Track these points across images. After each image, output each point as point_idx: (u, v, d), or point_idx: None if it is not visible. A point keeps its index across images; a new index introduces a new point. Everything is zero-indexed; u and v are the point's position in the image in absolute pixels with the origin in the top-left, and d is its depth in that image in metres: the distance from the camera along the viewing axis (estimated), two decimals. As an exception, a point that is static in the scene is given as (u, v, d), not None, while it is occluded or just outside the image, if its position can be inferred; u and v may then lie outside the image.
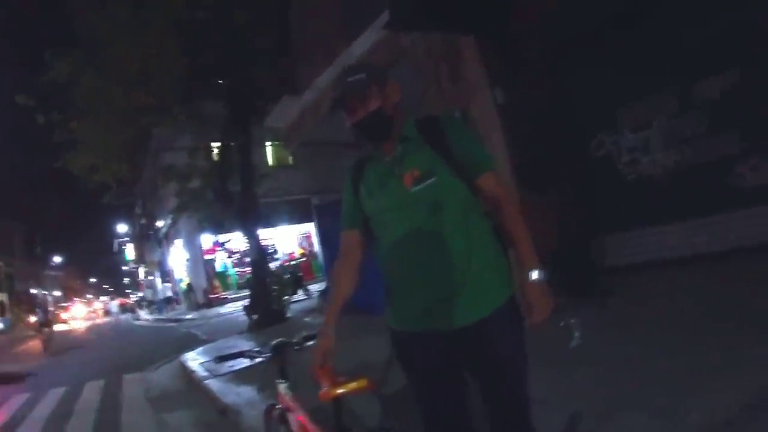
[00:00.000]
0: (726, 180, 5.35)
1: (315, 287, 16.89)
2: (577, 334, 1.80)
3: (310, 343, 2.42)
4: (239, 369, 6.17)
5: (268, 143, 23.22)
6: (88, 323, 42.23)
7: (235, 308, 17.50)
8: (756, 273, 4.48)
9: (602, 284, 5.44)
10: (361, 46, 7.50)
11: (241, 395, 5.17)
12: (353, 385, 1.65)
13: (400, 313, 1.86)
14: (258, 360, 2.45)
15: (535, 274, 1.72)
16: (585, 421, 2.86)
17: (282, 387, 2.33)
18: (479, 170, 1.81)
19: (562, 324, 1.75)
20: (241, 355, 2.52)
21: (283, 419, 2.33)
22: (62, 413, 6.58)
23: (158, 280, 36.30)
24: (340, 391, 1.63)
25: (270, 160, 24.05)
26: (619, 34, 5.81)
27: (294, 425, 2.20)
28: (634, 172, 6.16)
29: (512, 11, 5.93)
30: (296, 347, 2.39)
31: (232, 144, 11.90)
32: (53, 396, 7.91)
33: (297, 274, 16.61)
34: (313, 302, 13.29)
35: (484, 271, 1.75)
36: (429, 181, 1.74)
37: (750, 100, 5.08)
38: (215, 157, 13.54)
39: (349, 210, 2.01)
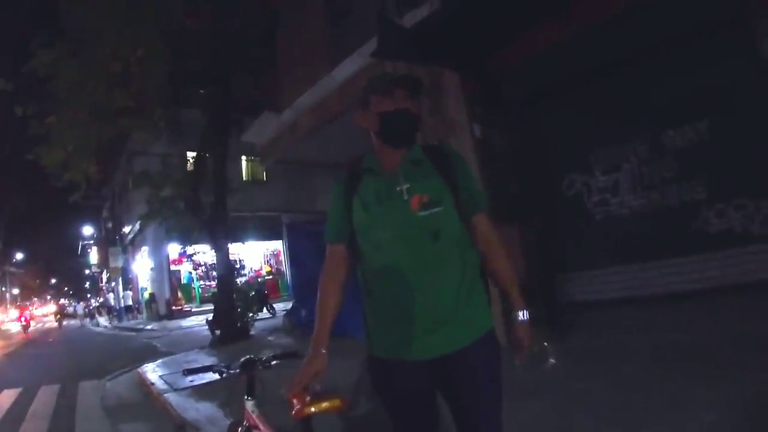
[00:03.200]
0: (691, 224, 5.60)
1: (280, 306, 16.70)
2: (551, 358, 1.89)
3: (275, 362, 2.45)
4: (199, 384, 6.08)
5: (243, 158, 23.10)
6: (43, 325, 40.79)
7: (197, 322, 17.17)
8: (711, 314, 4.70)
9: (563, 320, 5.57)
10: (344, 71, 7.62)
11: (201, 411, 5.09)
12: (326, 404, 1.64)
13: (384, 338, 1.84)
14: (225, 376, 2.46)
15: (524, 314, 1.82)
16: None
17: (249, 404, 2.33)
18: (477, 209, 1.87)
19: (536, 348, 1.83)
20: (209, 369, 2.52)
21: (248, 437, 2.34)
22: (15, 416, 6.38)
23: (120, 287, 35.35)
24: (312, 410, 1.64)
25: (244, 175, 23.88)
26: (595, 83, 6.07)
27: (259, 443, 2.21)
28: (602, 212, 6.38)
29: (494, 53, 6.14)
30: (265, 365, 2.42)
31: (207, 155, 11.82)
32: (6, 397, 7.68)
33: (263, 292, 16.35)
34: (277, 321, 13.14)
35: (472, 303, 1.79)
36: (436, 209, 1.76)
37: (717, 149, 5.38)
38: (189, 167, 13.42)
39: (336, 222, 1.93)
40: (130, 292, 29.72)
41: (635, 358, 4.17)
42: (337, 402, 1.65)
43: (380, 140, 1.89)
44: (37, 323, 42.96)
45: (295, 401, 1.65)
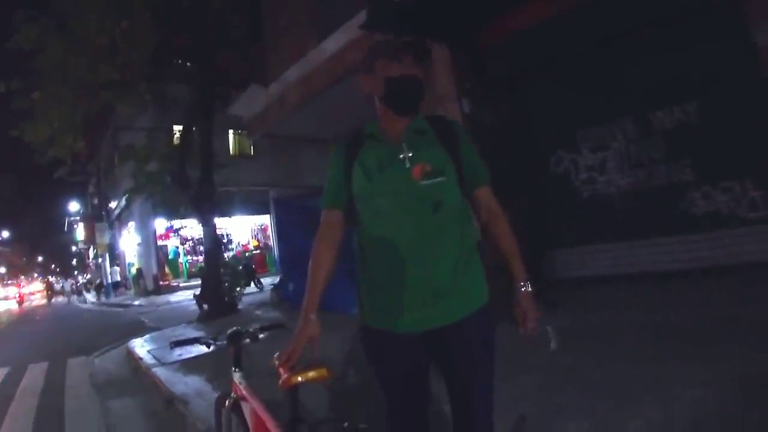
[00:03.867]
0: (677, 205, 5.67)
1: (268, 280, 16.71)
2: (553, 340, 1.89)
3: (264, 334, 2.45)
4: (187, 358, 6.09)
5: (230, 132, 22.87)
6: (30, 303, 40.65)
7: (184, 297, 17.13)
8: (698, 294, 4.77)
9: (551, 296, 5.62)
10: (332, 44, 7.52)
11: (189, 385, 5.11)
12: (313, 373, 1.63)
13: (378, 309, 1.83)
14: (213, 348, 2.46)
15: (527, 286, 1.81)
16: (529, 425, 2.96)
17: (237, 376, 2.33)
18: (481, 181, 1.86)
19: (539, 330, 1.84)
20: (196, 341, 2.51)
21: (236, 408, 2.34)
22: (4, 395, 6.35)
23: (107, 263, 35.18)
24: (299, 379, 1.63)
25: (231, 149, 23.66)
26: (585, 60, 6.05)
27: (247, 414, 2.21)
28: (589, 190, 6.42)
29: (483, 28, 6.08)
30: (252, 337, 2.42)
31: (194, 128, 11.66)
32: (-5, 375, 7.62)
33: (250, 266, 16.32)
34: (265, 295, 13.17)
35: (468, 275, 1.78)
36: (439, 178, 1.74)
37: (705, 132, 5.40)
38: (176, 141, 13.26)
39: (334, 188, 1.90)
40: (117, 268, 29.58)
41: (622, 336, 4.21)
42: (323, 371, 1.65)
43: (384, 106, 1.85)
44: (24, 301, 43.24)
45: (281, 371, 1.65)
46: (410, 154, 1.77)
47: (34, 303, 40.91)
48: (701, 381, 3.04)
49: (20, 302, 38.22)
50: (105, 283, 31.97)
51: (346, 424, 1.64)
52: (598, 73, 6.03)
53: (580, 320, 4.95)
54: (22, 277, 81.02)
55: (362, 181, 1.81)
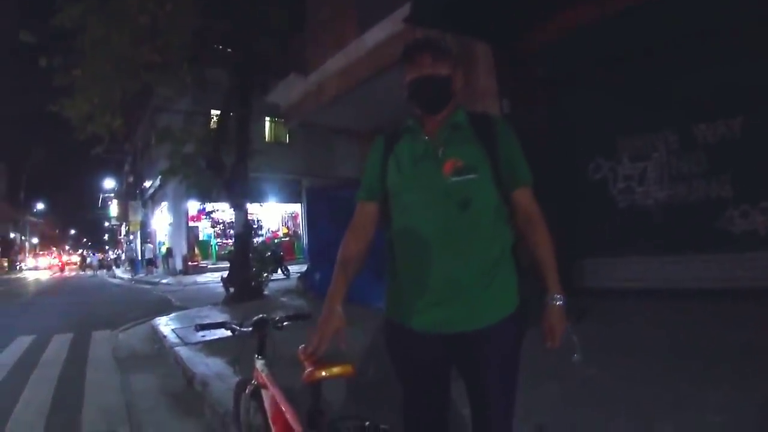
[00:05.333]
0: (715, 222, 5.50)
1: (295, 268, 16.82)
2: (578, 351, 1.81)
3: (287, 323, 2.43)
4: (210, 340, 6.14)
5: (267, 119, 23.06)
6: (60, 275, 41.94)
7: (212, 278, 17.37)
8: (729, 316, 4.60)
9: (577, 306, 5.50)
10: (374, 36, 7.48)
11: (210, 367, 5.14)
12: (338, 369, 1.59)
13: (400, 304, 1.78)
14: (237, 333, 2.45)
15: (559, 299, 1.73)
16: (548, 436, 2.90)
17: (259, 363, 2.32)
18: (519, 182, 1.77)
19: (564, 340, 1.76)
20: (221, 326, 2.51)
21: (256, 395, 2.33)
22: (27, 364, 6.48)
23: (138, 241, 35.95)
24: (324, 374, 1.60)
25: (267, 136, 23.87)
26: (630, 67, 5.90)
27: (267, 403, 2.19)
28: (626, 200, 6.27)
29: (529, 29, 5.97)
30: (277, 325, 2.41)
31: (231, 114, 11.78)
32: (19, 344, 7.80)
33: (278, 253, 16.42)
34: (291, 282, 13.25)
35: (502, 280, 1.72)
36: (469, 176, 1.68)
37: (749, 148, 5.21)
38: (212, 125, 13.41)
39: (371, 180, 1.87)
40: (150, 245, 30.18)
41: (647, 352, 4.09)
42: (348, 368, 1.61)
43: (415, 105, 1.81)
44: (54, 272, 45.58)
45: (306, 364, 1.62)
46: (443, 149, 1.72)
47: (64, 274, 42.20)
48: (723, 406, 2.93)
49: (62, 269, 46.89)
50: (135, 259, 32.65)
51: (367, 423, 1.60)
52: (643, 81, 5.85)
53: (605, 332, 4.82)
54: (54, 249, 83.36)
55: (394, 174, 1.79)
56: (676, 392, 3.23)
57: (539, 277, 1.77)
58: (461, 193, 1.67)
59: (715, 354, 3.78)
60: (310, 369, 1.58)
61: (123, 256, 45.45)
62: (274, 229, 26.48)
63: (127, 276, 29.44)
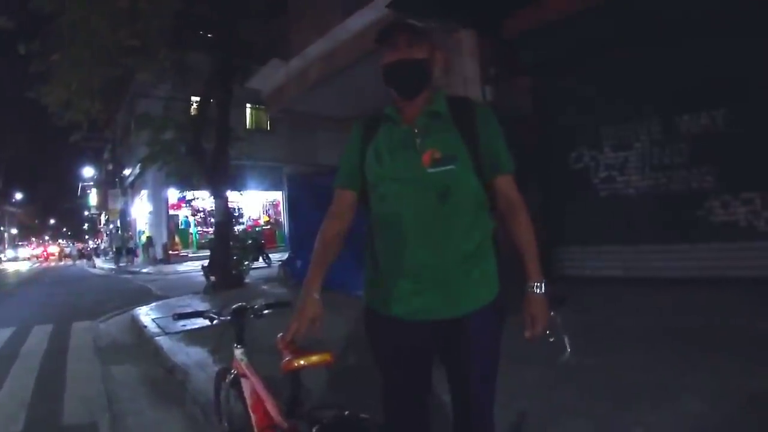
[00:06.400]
0: (696, 212, 5.56)
1: (276, 256, 16.75)
2: (568, 349, 1.80)
3: (267, 311, 2.40)
4: (191, 329, 6.09)
5: (248, 105, 22.81)
6: (40, 266, 41.41)
7: (193, 267, 17.28)
8: (708, 304, 4.67)
9: (557, 293, 5.54)
10: (357, 22, 7.38)
11: (191, 356, 5.11)
12: (316, 358, 1.57)
13: (378, 292, 1.76)
14: (216, 322, 2.42)
15: (541, 287, 1.70)
16: (530, 421, 2.91)
17: (238, 352, 2.29)
18: (500, 170, 1.74)
19: (552, 339, 1.72)
20: (199, 315, 2.47)
21: (235, 384, 2.31)
22: (7, 355, 6.40)
23: (118, 230, 35.50)
24: (302, 362, 1.57)
25: (248, 123, 23.63)
26: (613, 57, 5.90)
27: (247, 391, 2.17)
28: (608, 189, 6.30)
29: (512, 15, 5.94)
30: (256, 314, 2.37)
31: (211, 100, 11.61)
32: (-1, 336, 7.71)
33: (259, 241, 16.35)
34: (272, 271, 13.20)
35: (482, 267, 1.70)
36: (448, 166, 1.64)
37: (730, 140, 5.27)
38: (193, 111, 13.23)
39: (349, 168, 1.83)
40: (128, 235, 29.85)
41: (627, 339, 4.14)
42: (327, 356, 1.59)
43: (392, 90, 1.76)
44: (32, 263, 45.55)
45: (284, 353, 1.59)
46: (421, 140, 1.68)
47: (43, 265, 41.69)
48: (701, 392, 2.98)
49: (46, 259, 51.98)
50: (114, 249, 32.26)
51: (347, 412, 1.58)
52: (627, 71, 5.86)
53: (585, 319, 4.87)
54: (33, 239, 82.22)
55: (373, 164, 1.74)
56: (656, 378, 3.27)
57: (521, 265, 1.74)
58: (440, 184, 1.64)
59: (695, 341, 3.83)
60: (288, 358, 1.56)
61: (103, 246, 44.92)
62: (255, 217, 26.33)
63: (108, 266, 28.98)
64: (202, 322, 2.54)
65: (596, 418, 2.85)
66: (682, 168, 5.69)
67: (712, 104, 5.40)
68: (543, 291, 1.70)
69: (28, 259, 56.73)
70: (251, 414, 2.11)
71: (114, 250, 30.59)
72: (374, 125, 1.81)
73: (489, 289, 1.73)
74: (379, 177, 1.73)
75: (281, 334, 1.65)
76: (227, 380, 2.42)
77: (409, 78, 1.71)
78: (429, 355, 1.80)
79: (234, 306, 2.36)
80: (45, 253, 57.84)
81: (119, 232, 34.76)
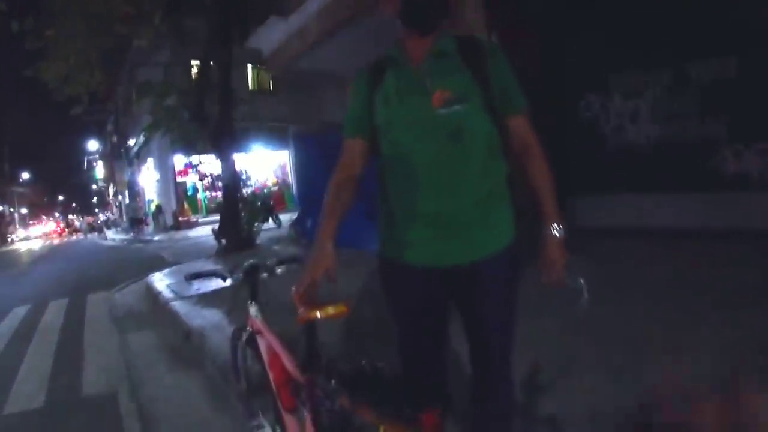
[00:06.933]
0: (708, 162, 5.46)
1: (285, 217, 16.79)
2: (585, 295, 1.75)
3: (280, 269, 2.37)
4: (205, 292, 6.13)
5: (249, 66, 22.48)
6: (52, 241, 41.92)
7: (203, 232, 17.34)
8: (721, 255, 4.59)
9: (571, 244, 5.49)
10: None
11: (207, 318, 5.14)
12: (331, 309, 1.53)
13: (394, 240, 1.71)
14: (229, 280, 2.40)
15: (557, 229, 1.65)
16: (545, 372, 2.89)
17: (252, 310, 2.27)
18: (514, 110, 1.66)
19: (570, 282, 1.67)
20: (213, 274, 2.45)
21: (251, 342, 2.30)
22: (25, 331, 6.51)
23: (126, 201, 35.66)
24: (318, 314, 1.54)
25: (250, 84, 23.33)
26: (625, 3, 5.71)
27: (263, 348, 2.16)
28: (619, 137, 6.18)
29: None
30: (269, 270, 2.34)
31: (212, 62, 11.41)
32: (16, 314, 7.80)
33: (268, 202, 16.33)
34: (282, 232, 13.24)
35: (496, 212, 1.65)
36: (459, 106, 1.56)
37: (743, 89, 5.11)
38: (193, 76, 13.06)
39: (357, 114, 1.75)
40: (138, 205, 29.99)
41: (641, 289, 4.10)
42: (342, 307, 1.54)
43: (403, 24, 1.66)
44: (45, 240, 46.63)
45: (299, 304, 1.56)
46: (431, 80, 1.60)
47: (56, 241, 42.23)
48: (715, 343, 2.95)
49: (60, 234, 55.48)
50: (124, 219, 32.49)
51: (364, 362, 1.56)
52: (638, 16, 5.65)
53: (598, 269, 4.81)
54: (44, 216, 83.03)
55: (381, 109, 1.67)
56: (671, 328, 3.24)
57: (537, 207, 1.68)
58: (451, 125, 1.57)
59: (709, 292, 3.77)
60: (303, 309, 1.53)
61: (113, 218, 45.21)
62: (262, 178, 26.28)
63: (120, 237, 29.19)
64: (216, 285, 2.53)
65: (611, 368, 2.84)
66: (693, 116, 5.55)
67: (723, 51, 5.20)
68: (561, 233, 1.65)
69: (40, 236, 57.71)
70: (269, 371, 2.10)
71: (128, 221, 30.71)
72: (379, 70, 1.72)
73: (505, 234, 1.68)
74: (388, 121, 1.66)
75: (295, 286, 1.61)
76: (243, 339, 2.41)
77: (430, 9, 1.60)
78: (445, 303, 1.76)
79: (246, 264, 2.33)
80: (60, 228, 62.84)
81: (133, 202, 34.90)
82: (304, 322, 1.61)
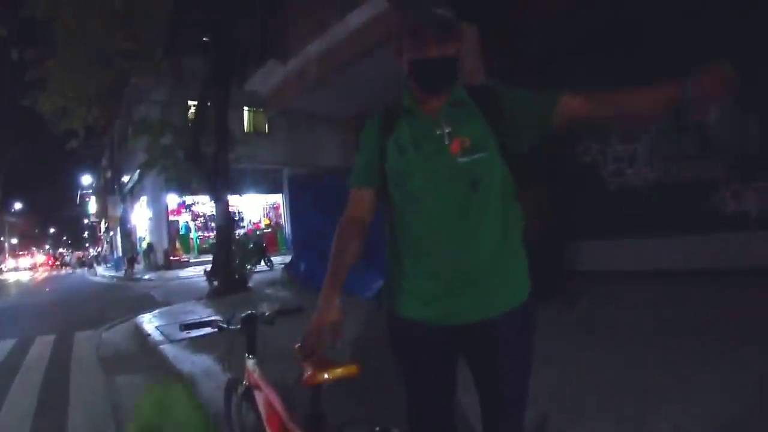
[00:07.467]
0: (706, 203, 5.47)
1: (278, 259, 16.64)
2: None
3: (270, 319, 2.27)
4: (196, 336, 5.96)
5: (245, 108, 22.71)
6: (38, 275, 41.43)
7: (195, 272, 17.16)
8: (723, 296, 4.58)
9: (569, 287, 5.44)
10: (357, 18, 7.27)
11: (197, 364, 4.99)
12: (341, 370, 1.44)
13: (412, 298, 1.63)
14: (225, 332, 2.30)
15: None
16: (552, 422, 2.81)
17: (250, 363, 2.17)
18: (555, 97, 1.58)
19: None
20: (207, 324, 2.36)
21: (248, 397, 2.19)
22: (10, 367, 6.30)
23: (118, 237, 35.35)
24: (326, 376, 1.45)
25: (246, 126, 23.52)
26: (619, 46, 5.83)
27: (261, 404, 2.05)
28: (617, 182, 6.20)
29: (516, 6, 5.83)
30: (267, 322, 2.25)
31: (209, 103, 11.48)
32: (1, 348, 7.58)
33: (261, 244, 16.27)
34: (275, 274, 13.09)
35: (510, 267, 1.60)
36: (479, 155, 1.53)
37: (739, 128, 5.13)
38: (190, 115, 13.14)
39: (367, 164, 1.70)
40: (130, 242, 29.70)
41: (643, 333, 4.06)
42: (353, 368, 1.46)
43: (415, 86, 1.64)
44: (35, 272, 46.20)
45: (305, 365, 1.46)
46: (448, 130, 1.56)
47: (45, 274, 41.76)
48: (721, 385, 2.93)
49: (52, 266, 56.71)
50: (114, 256, 32.15)
51: (378, 429, 1.45)
52: (633, 59, 5.74)
53: (600, 314, 4.81)
54: (34, 248, 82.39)
55: (396, 158, 1.62)
56: (675, 373, 3.20)
57: (654, 101, 1.62)
58: (472, 174, 1.53)
59: (712, 334, 3.75)
60: (310, 371, 1.43)
61: (103, 253, 44.80)
62: (255, 220, 26.22)
63: (109, 274, 28.77)
64: (208, 331, 2.42)
65: (620, 417, 2.78)
66: (691, 158, 5.60)
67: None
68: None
69: (29, 268, 57.17)
70: (266, 427, 1.99)
71: (123, 257, 30.28)
72: (392, 118, 1.69)
73: (521, 289, 1.62)
74: (404, 172, 1.60)
75: (299, 344, 1.52)
76: (239, 391, 2.29)
77: (440, 76, 1.59)
78: (456, 358, 1.69)
79: (243, 314, 2.24)
80: (51, 260, 64.64)
81: (127, 239, 34.59)
82: (312, 385, 1.51)
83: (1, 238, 63.21)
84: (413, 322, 1.63)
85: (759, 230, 5.16)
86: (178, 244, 24.34)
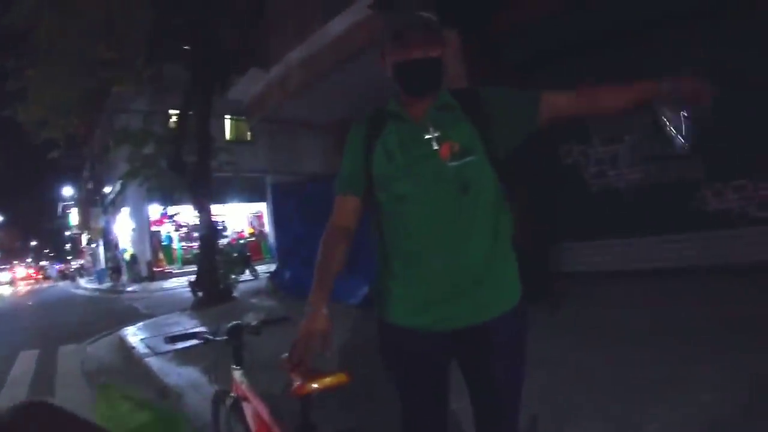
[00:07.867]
0: (688, 202, 5.54)
1: (262, 268, 16.51)
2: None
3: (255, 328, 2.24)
4: (181, 348, 5.88)
5: (227, 117, 22.57)
6: (19, 289, 40.75)
7: (179, 283, 16.98)
8: (707, 293, 4.65)
9: (556, 289, 5.47)
10: (338, 25, 7.27)
11: (183, 376, 4.92)
12: (330, 380, 1.43)
13: (402, 304, 1.62)
14: (210, 343, 2.27)
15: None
16: (542, 424, 2.82)
17: (237, 374, 2.15)
18: (538, 96, 1.64)
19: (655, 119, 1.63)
20: (193, 336, 2.33)
21: (236, 408, 2.15)
22: (-6, 383, 6.19)
23: (101, 249, 34.88)
24: (315, 386, 1.43)
25: (228, 134, 23.37)
26: (601, 50, 5.87)
27: (249, 415, 2.02)
28: (599, 184, 6.25)
29: (497, 12, 5.87)
30: (253, 332, 2.22)
31: (190, 112, 11.38)
32: (-16, 365, 7.43)
33: (245, 254, 16.15)
34: (260, 283, 12.98)
35: (501, 270, 1.60)
36: (468, 158, 1.52)
37: (719, 129, 5.22)
38: (172, 125, 13.02)
39: (352, 172, 1.68)
40: (112, 254, 29.33)
41: (630, 333, 4.10)
42: (342, 377, 1.44)
43: (400, 89, 1.64)
44: (16, 286, 45.62)
45: (293, 376, 1.44)
46: (437, 134, 1.56)
47: (27, 287, 41.07)
48: (709, 383, 2.95)
49: (36, 279, 56.95)
50: (97, 268, 31.72)
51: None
52: (615, 63, 5.79)
53: (586, 315, 4.82)
54: (15, 261, 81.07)
55: (384, 164, 1.60)
56: (664, 372, 3.22)
57: (634, 100, 1.76)
58: (462, 177, 1.53)
59: (699, 332, 3.79)
60: (299, 382, 1.41)
61: (86, 266, 44.19)
62: (239, 229, 26.02)
63: (92, 286, 28.34)
64: (194, 343, 2.39)
65: (609, 418, 2.79)
66: (673, 159, 5.65)
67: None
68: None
69: (9, 283, 56.11)
70: (255, 439, 1.96)
71: (108, 269, 29.82)
72: (379, 123, 1.68)
73: (512, 292, 1.63)
74: (392, 177, 1.59)
75: (286, 354, 1.50)
76: (227, 403, 2.26)
77: (425, 78, 1.59)
78: (448, 364, 1.69)
79: (229, 325, 2.21)
80: (37, 273, 64.62)
81: (111, 251, 34.09)
82: (301, 396, 1.49)
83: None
84: (405, 329, 1.62)
85: (741, 227, 5.25)
86: (161, 255, 24.06)
